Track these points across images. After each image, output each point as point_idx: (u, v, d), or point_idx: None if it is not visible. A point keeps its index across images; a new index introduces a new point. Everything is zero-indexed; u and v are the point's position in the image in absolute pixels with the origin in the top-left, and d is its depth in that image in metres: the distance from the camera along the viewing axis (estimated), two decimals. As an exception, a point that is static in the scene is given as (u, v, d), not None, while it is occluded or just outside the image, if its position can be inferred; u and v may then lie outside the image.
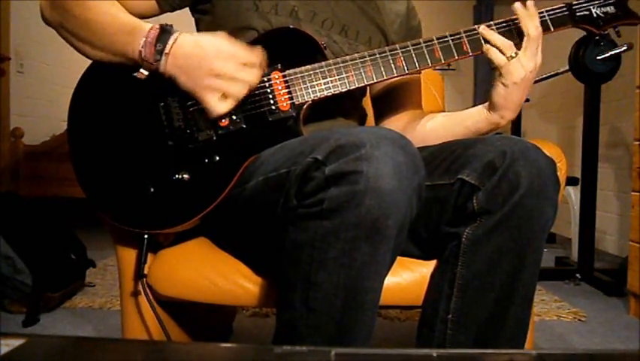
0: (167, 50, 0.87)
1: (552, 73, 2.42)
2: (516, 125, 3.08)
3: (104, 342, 0.54)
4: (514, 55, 0.90)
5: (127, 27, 0.90)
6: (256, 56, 0.88)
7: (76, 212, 2.28)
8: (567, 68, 2.14)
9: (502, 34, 0.93)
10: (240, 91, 0.87)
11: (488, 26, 0.93)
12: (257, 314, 1.79)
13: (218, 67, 0.85)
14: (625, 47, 1.85)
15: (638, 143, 1.85)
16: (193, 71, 0.86)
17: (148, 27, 0.89)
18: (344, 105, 1.05)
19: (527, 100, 3.34)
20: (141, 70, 0.89)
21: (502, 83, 0.92)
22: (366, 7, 1.07)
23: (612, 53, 1.96)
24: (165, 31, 0.88)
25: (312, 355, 0.46)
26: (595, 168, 2.32)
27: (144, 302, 0.99)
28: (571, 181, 2.48)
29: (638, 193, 1.85)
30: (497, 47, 0.91)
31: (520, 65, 0.90)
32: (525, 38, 0.91)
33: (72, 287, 1.96)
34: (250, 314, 1.79)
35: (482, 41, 0.93)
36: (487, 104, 0.98)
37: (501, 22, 0.95)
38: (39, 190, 2.99)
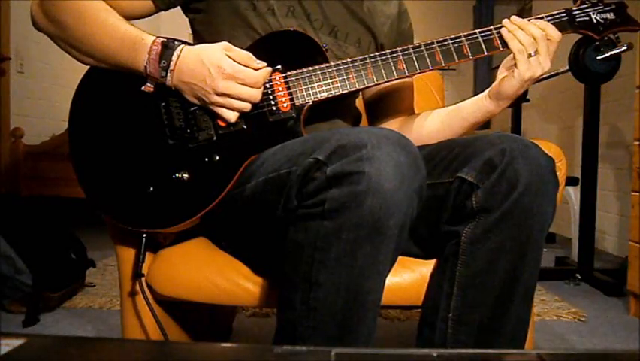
0: (171, 67, 0.88)
1: (552, 73, 2.42)
2: (516, 125, 3.08)
3: (104, 342, 0.54)
4: (533, 53, 0.91)
5: (128, 42, 0.90)
6: (259, 75, 0.89)
7: (76, 212, 2.28)
8: (567, 68, 2.14)
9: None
10: (245, 106, 0.89)
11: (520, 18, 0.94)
12: (257, 314, 1.79)
13: (222, 87, 0.87)
14: (625, 47, 1.85)
15: (638, 143, 1.85)
16: (199, 89, 0.88)
17: (149, 41, 0.89)
18: (341, 107, 1.05)
19: (527, 100, 3.31)
20: (148, 84, 0.91)
21: (517, 77, 0.92)
22: (357, 8, 1.07)
23: (612, 53, 1.95)
24: (167, 47, 0.89)
25: (312, 355, 0.46)
26: (595, 168, 2.32)
27: (144, 302, 0.99)
28: (571, 181, 2.48)
29: (638, 193, 1.85)
30: (522, 44, 0.92)
31: (539, 63, 0.92)
32: (547, 41, 0.93)
33: (72, 287, 1.96)
34: (250, 314, 1.79)
35: (501, 37, 0.94)
36: (485, 94, 0.99)
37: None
38: (39, 190, 2.99)
